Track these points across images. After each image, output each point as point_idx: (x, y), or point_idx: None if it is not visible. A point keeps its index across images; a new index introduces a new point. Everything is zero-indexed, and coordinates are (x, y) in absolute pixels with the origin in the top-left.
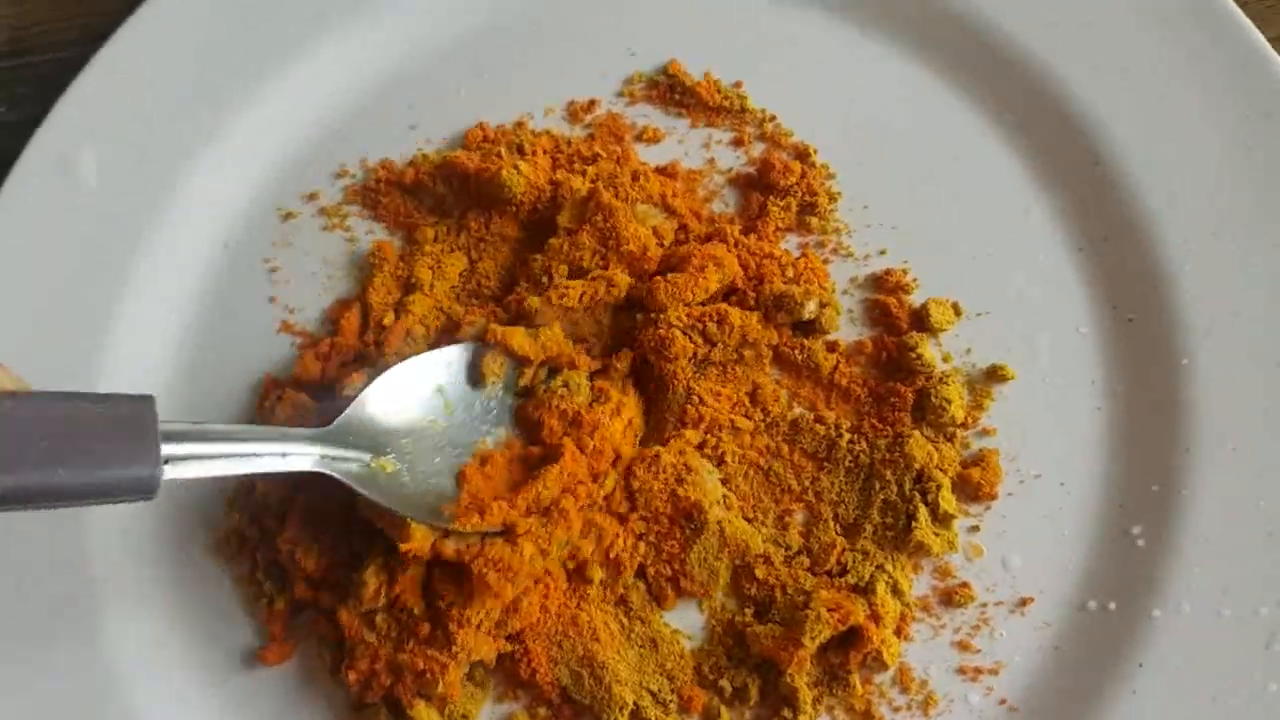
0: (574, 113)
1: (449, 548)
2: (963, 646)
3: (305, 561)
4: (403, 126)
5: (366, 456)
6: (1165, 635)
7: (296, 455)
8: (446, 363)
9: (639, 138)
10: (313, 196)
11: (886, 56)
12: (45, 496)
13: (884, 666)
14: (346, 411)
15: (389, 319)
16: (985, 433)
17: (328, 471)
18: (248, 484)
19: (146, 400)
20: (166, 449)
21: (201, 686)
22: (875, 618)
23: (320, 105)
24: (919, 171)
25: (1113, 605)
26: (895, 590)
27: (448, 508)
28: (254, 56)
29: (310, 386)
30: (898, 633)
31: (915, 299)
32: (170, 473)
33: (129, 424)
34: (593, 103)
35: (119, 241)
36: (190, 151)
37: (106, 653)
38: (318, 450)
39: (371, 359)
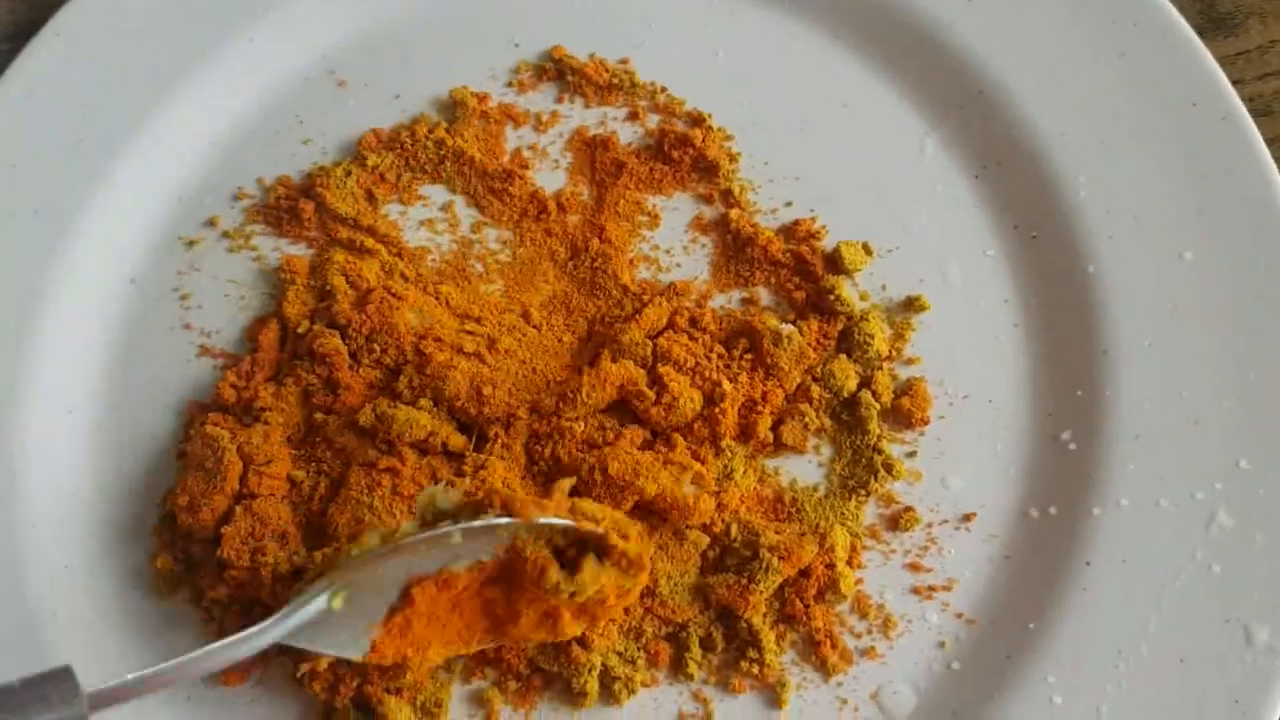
0: (467, 107)
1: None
2: (914, 568)
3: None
4: (295, 142)
5: (324, 602)
6: (1108, 532)
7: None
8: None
9: (536, 124)
10: (213, 222)
11: (767, 16)
12: None
13: (841, 597)
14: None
15: (304, 327)
16: (910, 362)
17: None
18: (169, 516)
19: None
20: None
21: (166, 707)
22: (827, 553)
23: (210, 131)
24: (813, 122)
25: (1053, 510)
26: (844, 523)
27: (375, 630)
28: (135, 93)
29: (234, 407)
30: (849, 562)
31: (826, 244)
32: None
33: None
34: (484, 96)
35: (25, 287)
36: (86, 191)
37: None
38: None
39: (294, 372)
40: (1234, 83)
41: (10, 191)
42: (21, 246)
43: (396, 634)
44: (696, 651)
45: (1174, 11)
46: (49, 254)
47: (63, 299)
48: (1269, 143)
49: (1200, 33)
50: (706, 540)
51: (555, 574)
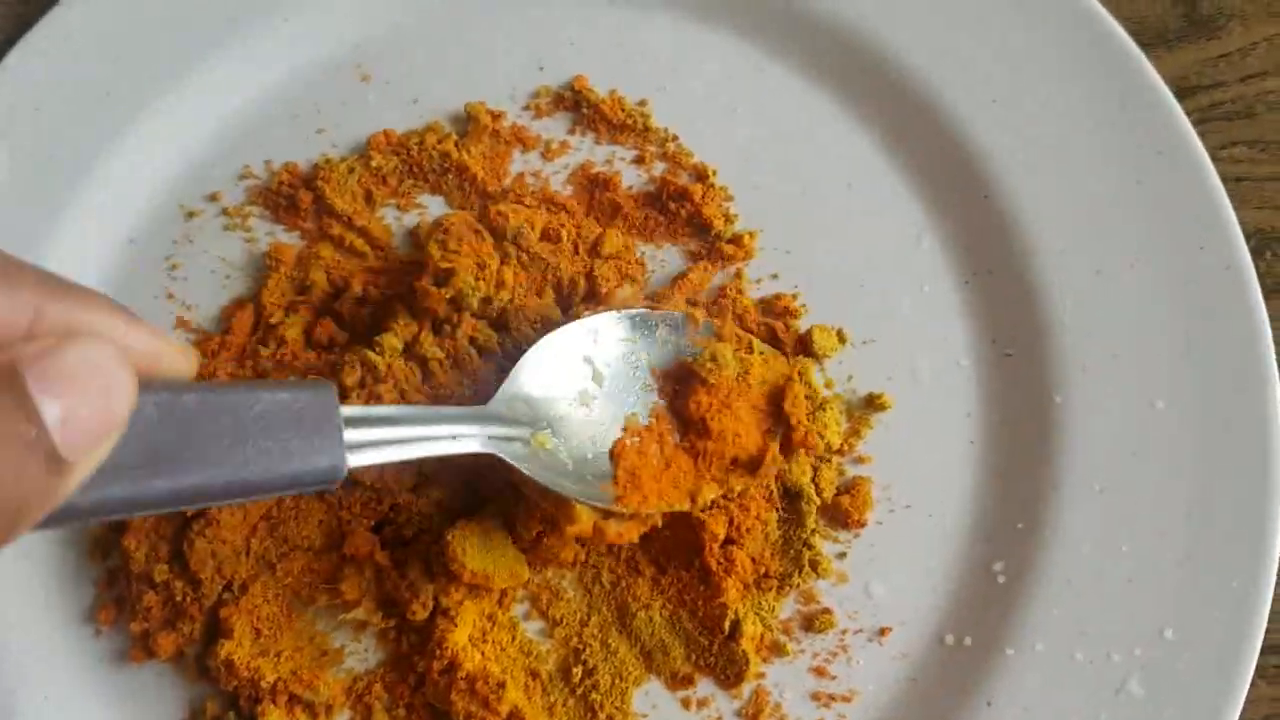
0: (480, 123)
1: (612, 530)
2: (819, 672)
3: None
4: (309, 130)
5: (526, 432)
6: (1016, 674)
7: (466, 437)
8: (593, 330)
9: (545, 151)
10: (215, 197)
11: (791, 82)
12: (228, 494)
13: (740, 679)
14: (503, 386)
15: (277, 317)
16: (860, 460)
17: (495, 452)
18: None
19: (326, 388)
20: (349, 435)
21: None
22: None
23: (227, 106)
24: (815, 198)
25: (969, 640)
26: (759, 611)
27: (608, 487)
28: (163, 57)
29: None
30: (756, 651)
31: (802, 324)
32: (353, 461)
33: (311, 413)
34: (499, 114)
35: (25, 234)
36: (100, 147)
37: None
38: (484, 430)
39: (258, 359)
40: (1215, 85)
41: (31, 134)
42: (33, 190)
43: (633, 488)
44: None
45: (1198, 145)
46: (58, 202)
47: (64, 248)
48: (1249, 145)
49: (1182, 36)
50: None
51: (726, 352)
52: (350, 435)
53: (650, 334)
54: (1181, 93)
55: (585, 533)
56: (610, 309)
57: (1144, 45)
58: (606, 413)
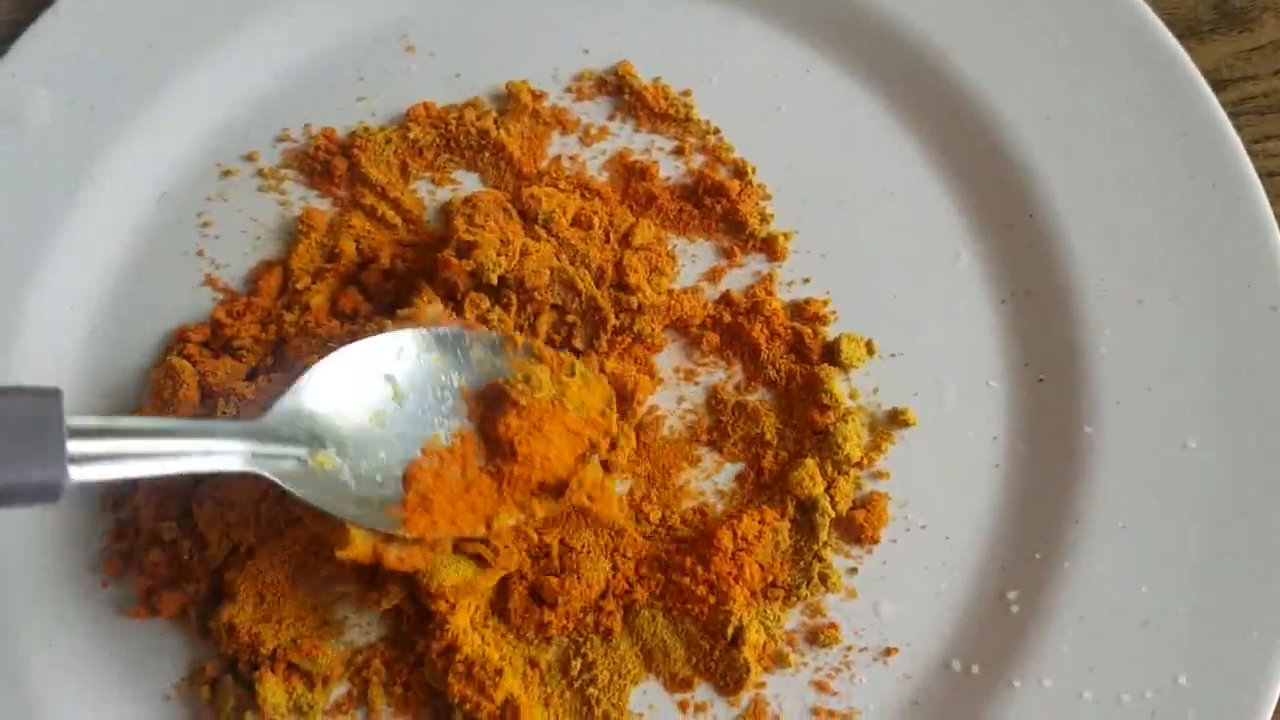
0: (521, 102)
1: (392, 555)
2: (821, 687)
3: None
4: (350, 97)
5: (303, 451)
6: (1021, 708)
7: (222, 454)
8: (397, 347)
9: (583, 135)
10: (252, 157)
11: (839, 83)
12: None
13: (739, 687)
14: (280, 400)
15: (304, 283)
16: (879, 476)
17: (258, 471)
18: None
19: (51, 394)
20: (74, 446)
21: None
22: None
23: (271, 67)
24: (854, 203)
25: (976, 669)
26: (764, 620)
27: (393, 510)
28: (209, 13)
29: (212, 342)
30: (758, 660)
31: (831, 330)
32: (78, 475)
33: (30, 421)
34: (541, 95)
35: (61, 180)
36: (140, 100)
37: None
38: (248, 447)
39: (282, 323)
40: (1247, 78)
41: (74, 82)
42: (72, 138)
43: (420, 511)
44: None
45: (1255, 180)
46: (95, 151)
47: (97, 198)
48: None
49: (1214, 28)
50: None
51: (541, 373)
52: (79, 446)
53: (464, 354)
54: (1213, 86)
55: (361, 558)
56: (419, 326)
57: (1175, 37)
58: (405, 433)
